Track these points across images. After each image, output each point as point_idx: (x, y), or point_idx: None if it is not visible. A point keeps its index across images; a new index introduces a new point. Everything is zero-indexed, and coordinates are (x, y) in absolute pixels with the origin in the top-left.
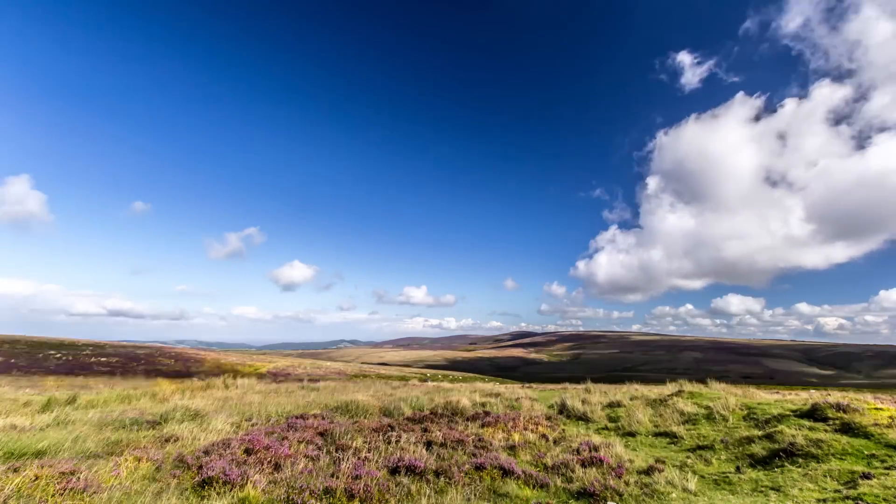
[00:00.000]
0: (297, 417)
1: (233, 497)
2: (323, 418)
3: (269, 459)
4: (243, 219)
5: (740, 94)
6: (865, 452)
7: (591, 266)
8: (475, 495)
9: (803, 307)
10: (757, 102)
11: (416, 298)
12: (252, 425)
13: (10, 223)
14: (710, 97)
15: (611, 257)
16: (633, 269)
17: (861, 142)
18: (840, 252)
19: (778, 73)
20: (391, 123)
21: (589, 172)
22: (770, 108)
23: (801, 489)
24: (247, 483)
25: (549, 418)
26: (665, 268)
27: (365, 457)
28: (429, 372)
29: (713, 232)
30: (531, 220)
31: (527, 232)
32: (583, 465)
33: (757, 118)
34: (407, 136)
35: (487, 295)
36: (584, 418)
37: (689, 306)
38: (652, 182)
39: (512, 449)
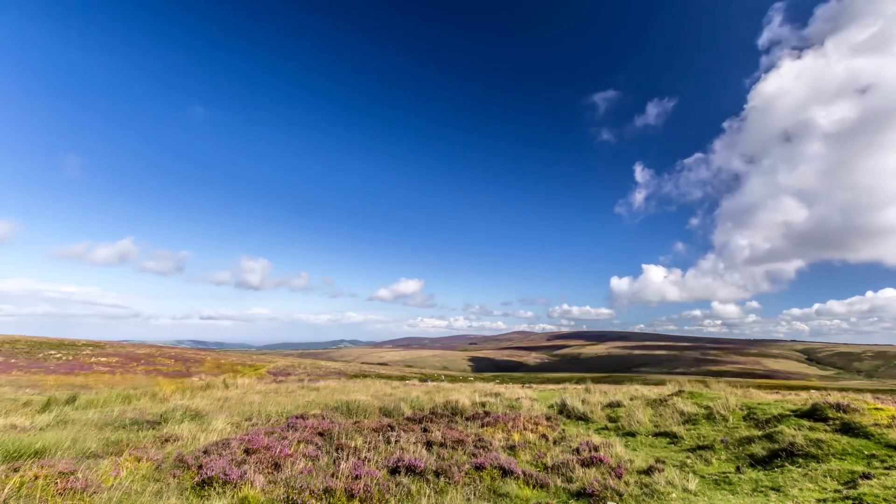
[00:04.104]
0: (297, 417)
1: (232, 497)
2: (323, 418)
3: (268, 459)
4: (256, 223)
5: None
6: (865, 452)
7: (611, 281)
8: (475, 495)
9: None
10: None
11: (420, 298)
12: (252, 425)
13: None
14: None
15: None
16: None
17: None
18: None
19: None
20: (410, 129)
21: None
22: None
23: (801, 489)
24: (246, 483)
25: (549, 418)
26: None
27: (365, 457)
28: (429, 371)
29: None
30: (549, 228)
31: (540, 236)
32: (583, 465)
33: None
34: (410, 138)
35: (490, 295)
36: (584, 418)
37: (697, 309)
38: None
39: (512, 449)
